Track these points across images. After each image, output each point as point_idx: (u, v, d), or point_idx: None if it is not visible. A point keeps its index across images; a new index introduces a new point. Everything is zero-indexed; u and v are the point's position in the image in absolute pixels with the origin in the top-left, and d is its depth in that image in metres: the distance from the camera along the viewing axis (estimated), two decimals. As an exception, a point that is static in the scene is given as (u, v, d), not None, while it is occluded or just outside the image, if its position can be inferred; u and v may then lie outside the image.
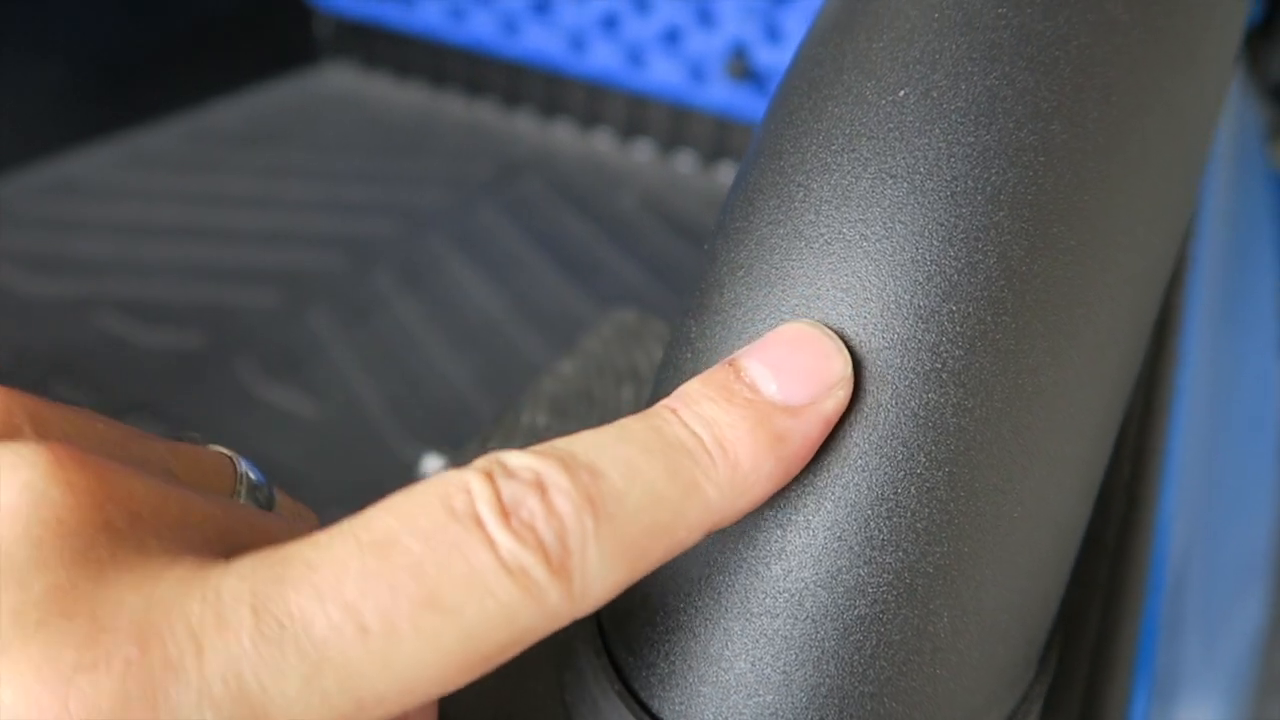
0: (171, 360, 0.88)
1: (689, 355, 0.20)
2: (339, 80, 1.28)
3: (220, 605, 0.14)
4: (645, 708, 0.20)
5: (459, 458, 0.31)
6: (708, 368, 0.19)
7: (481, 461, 0.16)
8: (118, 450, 0.18)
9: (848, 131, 0.19)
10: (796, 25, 1.02)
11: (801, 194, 0.19)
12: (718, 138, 1.16)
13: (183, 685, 0.14)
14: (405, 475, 0.79)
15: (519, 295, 0.99)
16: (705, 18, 1.06)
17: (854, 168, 0.19)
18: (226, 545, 0.16)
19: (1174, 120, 0.20)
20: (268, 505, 0.21)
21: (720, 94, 1.09)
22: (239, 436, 0.81)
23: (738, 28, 1.05)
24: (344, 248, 1.03)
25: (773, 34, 1.04)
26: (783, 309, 0.19)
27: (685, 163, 1.18)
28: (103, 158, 1.09)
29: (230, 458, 0.21)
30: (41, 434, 0.17)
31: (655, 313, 0.41)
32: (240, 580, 0.15)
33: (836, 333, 0.18)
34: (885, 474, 0.18)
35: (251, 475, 0.21)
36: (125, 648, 0.14)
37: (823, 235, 0.19)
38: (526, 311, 0.97)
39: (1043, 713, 0.22)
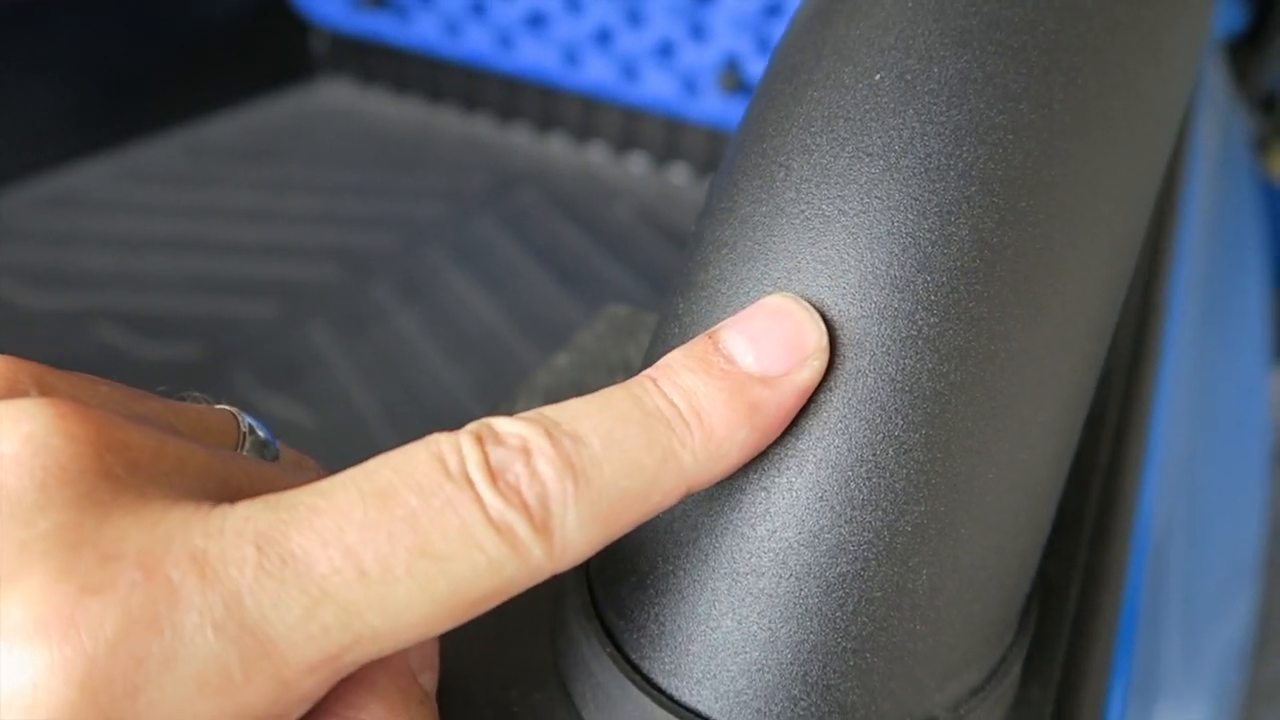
0: (170, 372, 0.89)
1: (676, 330, 0.21)
2: (336, 95, 1.29)
3: (224, 540, 0.15)
4: (636, 669, 0.21)
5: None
6: None
7: (473, 426, 0.17)
8: (120, 409, 0.19)
9: (826, 114, 0.20)
10: (788, 38, 1.03)
11: (783, 173, 0.20)
12: (711, 149, 1.18)
13: (185, 607, 0.15)
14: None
15: (516, 306, 1.00)
16: (698, 31, 1.08)
17: (832, 147, 0.20)
18: (227, 493, 0.17)
19: (1138, 102, 0.21)
20: (274, 459, 0.22)
21: (713, 106, 1.10)
22: (237, 446, 0.82)
23: (730, 41, 1.06)
24: (341, 260, 1.04)
25: (765, 46, 1.05)
26: (765, 282, 0.20)
27: (679, 174, 1.20)
28: (102, 172, 1.10)
29: (234, 414, 0.22)
30: (46, 395, 0.18)
31: (649, 315, 0.42)
32: (244, 520, 0.16)
33: (815, 304, 0.19)
34: (864, 436, 0.19)
35: (258, 431, 0.22)
36: (130, 572, 0.15)
37: (803, 211, 0.20)
38: (523, 321, 0.98)
39: (1023, 678, 0.23)
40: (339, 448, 0.83)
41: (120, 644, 0.14)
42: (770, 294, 0.20)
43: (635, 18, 1.10)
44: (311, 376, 0.90)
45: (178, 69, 1.15)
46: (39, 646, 0.14)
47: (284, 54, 1.26)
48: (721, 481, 0.19)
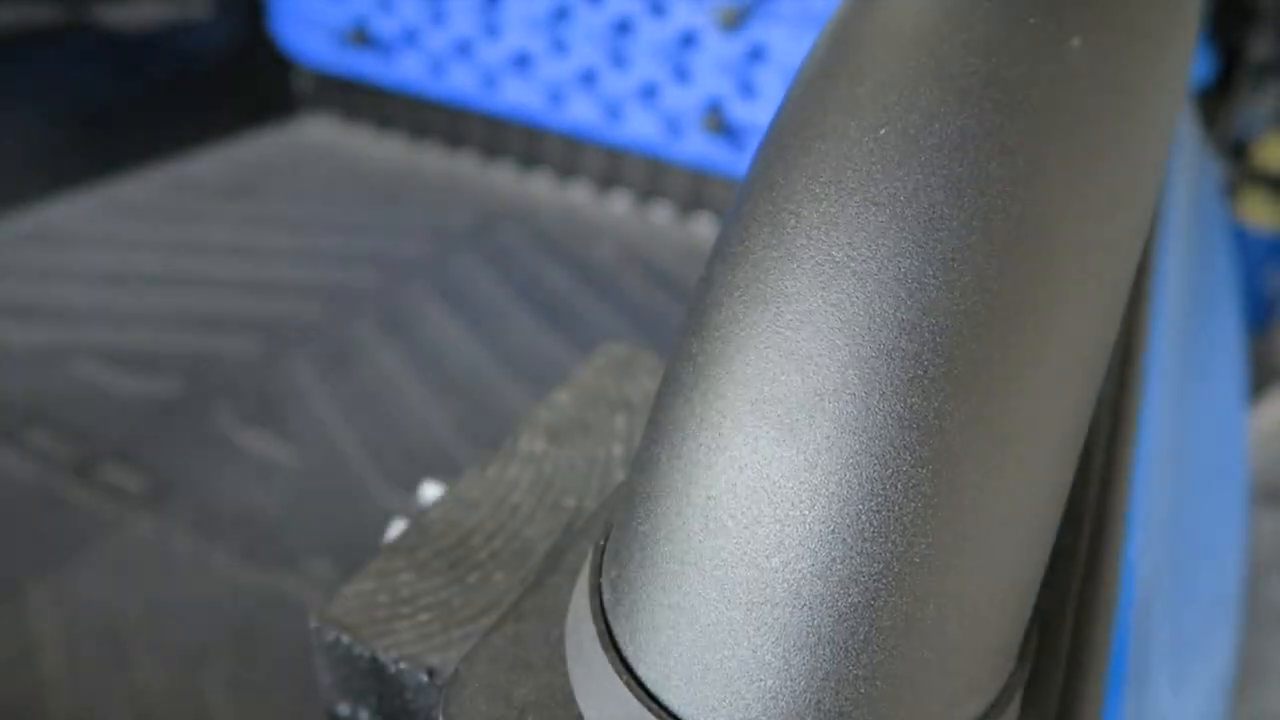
0: (150, 407, 0.89)
1: (690, 369, 0.22)
2: (319, 132, 1.30)
3: None
4: (655, 699, 0.21)
5: (458, 485, 0.33)
6: (709, 381, 0.21)
7: None
8: None
9: (834, 165, 0.22)
10: (770, 82, 1.06)
11: (793, 220, 0.22)
12: (694, 190, 1.20)
13: None
14: (385, 522, 0.80)
15: (498, 343, 1.00)
16: (681, 74, 1.10)
17: (840, 196, 0.21)
18: None
19: (1124, 155, 0.23)
20: None
21: (696, 147, 1.13)
22: (218, 484, 0.82)
23: (713, 84, 1.09)
24: (324, 296, 1.05)
25: (747, 90, 1.07)
26: (778, 324, 0.21)
27: (662, 214, 1.22)
28: (83, 206, 1.11)
29: None
30: None
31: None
32: None
33: (826, 345, 0.20)
34: (873, 472, 0.20)
35: None
36: None
37: (814, 257, 0.21)
38: (505, 359, 0.99)
39: (1023, 707, 0.24)
40: (319, 483, 0.83)
41: None
42: (784, 335, 0.21)
43: (620, 60, 1.12)
44: (293, 413, 0.90)
45: (161, 104, 1.16)
46: None
47: (268, 91, 1.27)
48: (736, 513, 0.20)
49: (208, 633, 0.70)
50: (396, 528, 0.33)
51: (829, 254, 0.21)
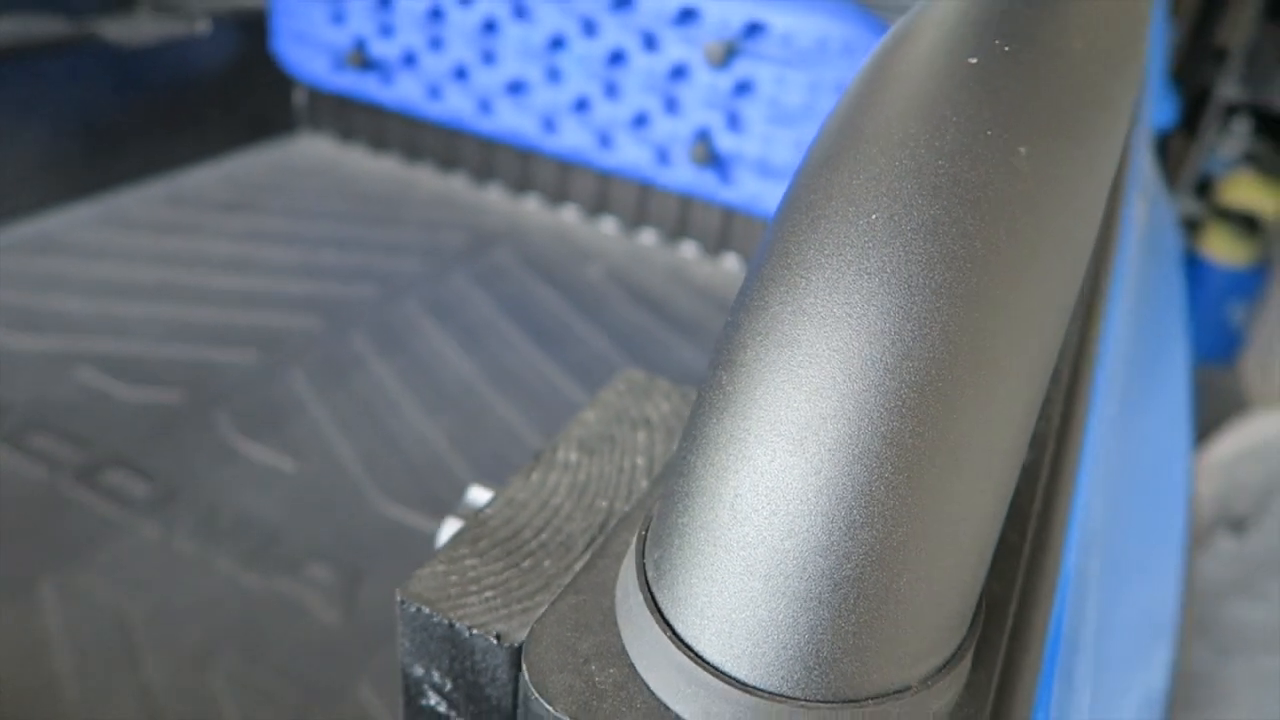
0: (151, 416, 0.94)
1: (720, 398, 0.29)
2: (316, 150, 1.37)
3: None
4: (692, 649, 0.28)
5: (508, 489, 0.39)
6: (736, 405, 0.28)
7: None
8: None
9: (835, 241, 0.29)
10: (756, 115, 1.14)
11: (804, 283, 0.29)
12: (680, 216, 1.27)
13: None
14: (382, 531, 0.86)
15: (490, 359, 1.07)
16: (671, 105, 1.18)
17: (840, 266, 0.28)
18: None
19: (1061, 238, 0.30)
20: None
21: (684, 176, 1.20)
22: (219, 491, 0.87)
23: (701, 115, 1.17)
24: (321, 310, 1.11)
25: (734, 122, 1.15)
26: (792, 363, 0.28)
27: (649, 238, 1.29)
28: (84, 218, 1.16)
29: None
30: None
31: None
32: None
33: (828, 380, 0.28)
34: (862, 478, 0.27)
35: None
36: None
37: (820, 312, 0.28)
38: (497, 375, 1.05)
39: (973, 665, 0.31)
40: (317, 492, 0.89)
41: None
42: (795, 372, 0.28)
43: (612, 90, 1.20)
44: (290, 423, 0.96)
45: (162, 119, 1.21)
46: None
47: (267, 108, 1.33)
48: (757, 507, 0.28)
49: (212, 633, 0.75)
50: (450, 525, 0.39)
51: (831, 310, 0.28)
